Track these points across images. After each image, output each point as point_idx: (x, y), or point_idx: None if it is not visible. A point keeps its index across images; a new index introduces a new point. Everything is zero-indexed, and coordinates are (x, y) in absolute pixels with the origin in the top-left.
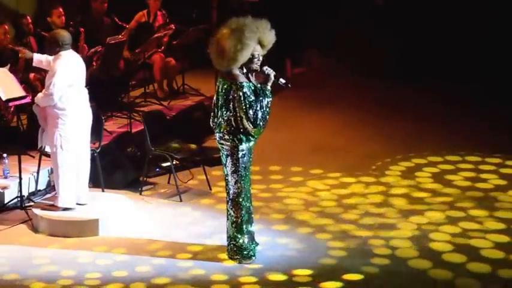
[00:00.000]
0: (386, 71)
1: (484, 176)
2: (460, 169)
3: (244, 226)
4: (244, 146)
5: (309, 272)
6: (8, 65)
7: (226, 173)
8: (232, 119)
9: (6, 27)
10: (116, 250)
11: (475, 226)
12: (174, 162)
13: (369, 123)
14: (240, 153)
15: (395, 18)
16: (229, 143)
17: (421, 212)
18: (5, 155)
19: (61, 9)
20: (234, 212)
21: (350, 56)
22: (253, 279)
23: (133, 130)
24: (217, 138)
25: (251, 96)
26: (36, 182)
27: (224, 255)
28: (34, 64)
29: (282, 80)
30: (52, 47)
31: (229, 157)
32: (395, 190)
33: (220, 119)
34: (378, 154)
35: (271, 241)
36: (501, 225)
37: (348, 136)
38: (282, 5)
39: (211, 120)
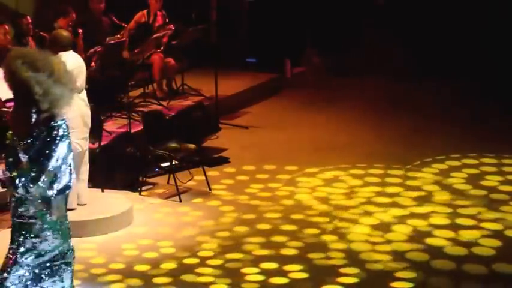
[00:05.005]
0: (387, 70)
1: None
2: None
3: None
4: None
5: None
6: None
7: None
8: None
9: (7, 27)
10: (116, 252)
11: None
12: (173, 162)
13: (369, 123)
14: None
15: (396, 17)
16: None
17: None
18: (3, 155)
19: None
20: None
21: (350, 55)
22: None
23: (133, 130)
24: None
25: None
26: None
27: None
28: None
29: None
30: (52, 48)
31: None
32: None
33: None
34: (380, 153)
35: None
36: None
37: (350, 135)
38: (281, 5)
39: None
